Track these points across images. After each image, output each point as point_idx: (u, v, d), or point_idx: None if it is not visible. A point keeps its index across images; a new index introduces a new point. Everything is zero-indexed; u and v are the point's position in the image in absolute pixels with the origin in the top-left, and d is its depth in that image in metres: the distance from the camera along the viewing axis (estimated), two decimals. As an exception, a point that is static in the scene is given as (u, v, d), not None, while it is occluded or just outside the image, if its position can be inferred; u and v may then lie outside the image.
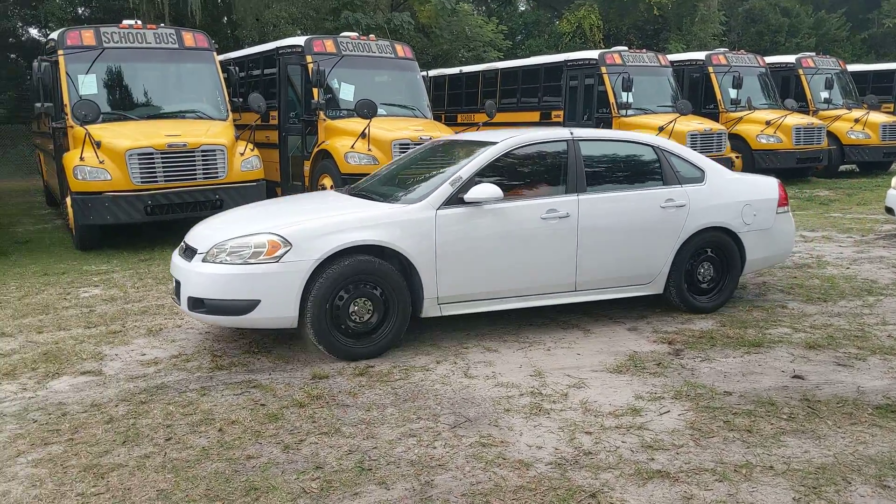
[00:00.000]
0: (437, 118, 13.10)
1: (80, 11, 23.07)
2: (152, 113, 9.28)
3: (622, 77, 13.17)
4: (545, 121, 15.46)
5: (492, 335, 5.11)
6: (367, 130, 9.71)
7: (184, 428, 3.56)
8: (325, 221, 4.66)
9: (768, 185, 6.01)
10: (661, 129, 12.34)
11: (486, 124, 13.23)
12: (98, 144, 8.13)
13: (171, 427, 3.57)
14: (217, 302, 4.42)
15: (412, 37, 21.90)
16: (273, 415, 3.72)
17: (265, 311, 4.40)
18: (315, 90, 10.55)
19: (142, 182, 8.22)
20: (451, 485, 2.98)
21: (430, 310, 4.83)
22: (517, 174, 5.27)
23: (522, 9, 35.21)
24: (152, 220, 8.49)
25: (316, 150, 10.64)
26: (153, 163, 8.28)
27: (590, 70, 14.46)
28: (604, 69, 14.05)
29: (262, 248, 4.41)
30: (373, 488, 2.96)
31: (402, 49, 11.71)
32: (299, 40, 11.33)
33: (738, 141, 14.45)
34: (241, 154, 8.99)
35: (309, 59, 10.79)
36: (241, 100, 10.38)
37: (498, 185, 4.89)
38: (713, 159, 6.09)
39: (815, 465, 3.12)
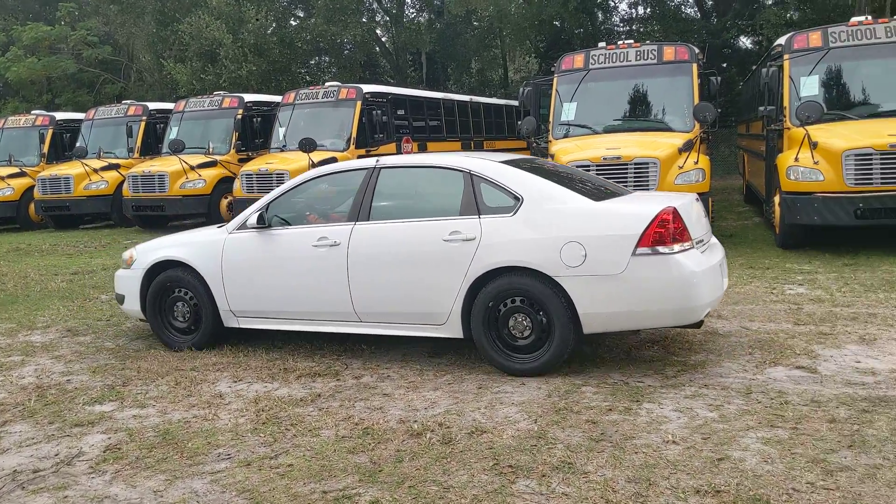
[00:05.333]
0: None
1: (790, 16, 23.45)
2: (873, 112, 8.78)
3: None
4: None
5: None
6: None
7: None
8: (162, 240, 5.99)
9: (627, 216, 4.41)
10: None
11: None
12: (814, 145, 8.15)
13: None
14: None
15: None
16: None
17: (127, 304, 5.95)
18: None
19: (856, 184, 7.88)
20: None
21: (229, 320, 5.54)
22: (315, 202, 5.53)
23: None
24: (862, 225, 8.08)
25: None
26: (871, 164, 7.83)
27: None
28: None
29: (126, 257, 6.02)
30: None
31: None
32: None
33: None
34: None
35: None
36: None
37: (294, 212, 5.40)
38: None
39: None
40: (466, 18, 28.20)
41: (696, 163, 8.91)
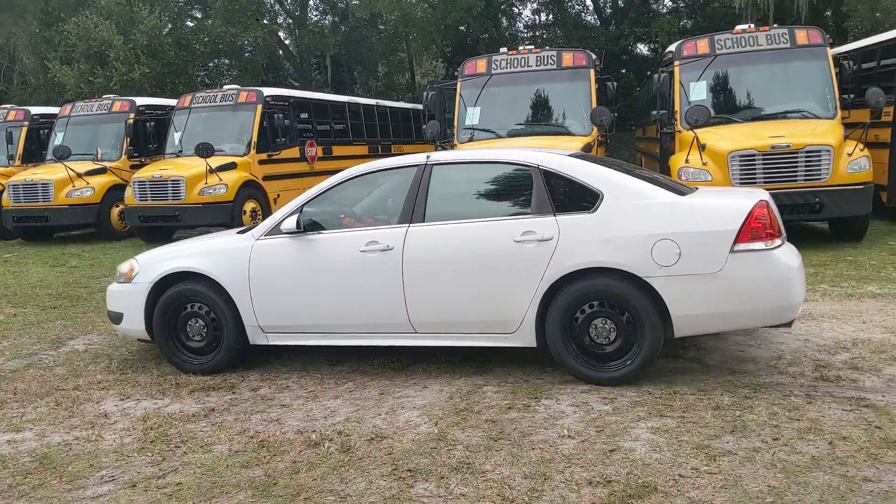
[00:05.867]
0: None
1: (684, 24, 24.62)
2: (756, 115, 9.30)
3: None
4: None
5: None
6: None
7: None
8: (169, 249, 5.32)
9: (722, 211, 4.12)
10: None
11: None
12: (703, 147, 8.55)
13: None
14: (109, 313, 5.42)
15: None
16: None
17: (126, 322, 5.24)
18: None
19: (741, 183, 8.32)
20: None
21: (256, 337, 4.98)
22: (358, 203, 5.09)
23: None
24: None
25: None
26: (754, 164, 8.29)
27: None
28: None
29: (125, 270, 5.30)
30: None
31: None
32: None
33: None
34: (850, 155, 8.27)
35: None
36: (851, 96, 9.54)
37: (332, 215, 4.89)
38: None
39: None
40: (372, 22, 28.10)
41: (594, 164, 9.16)
